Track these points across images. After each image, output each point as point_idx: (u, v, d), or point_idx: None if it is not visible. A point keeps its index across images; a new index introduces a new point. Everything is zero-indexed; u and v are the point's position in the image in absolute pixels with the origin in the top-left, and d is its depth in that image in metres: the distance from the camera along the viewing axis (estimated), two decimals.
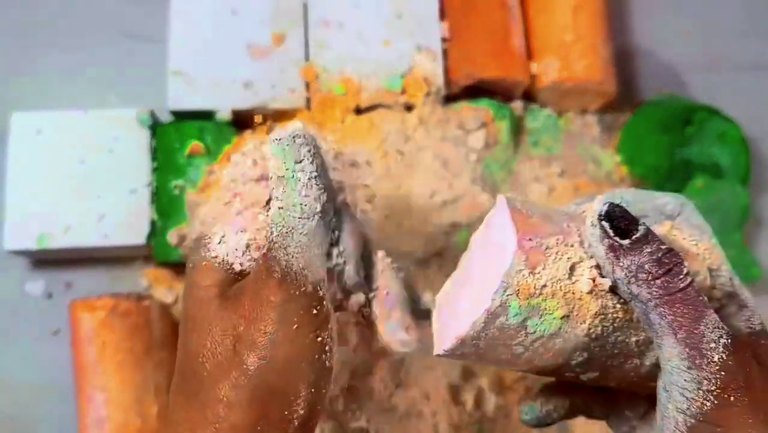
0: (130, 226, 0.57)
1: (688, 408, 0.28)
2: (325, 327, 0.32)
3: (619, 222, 0.28)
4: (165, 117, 0.61)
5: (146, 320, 0.55)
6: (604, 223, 0.28)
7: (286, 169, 0.32)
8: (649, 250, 0.28)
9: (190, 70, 0.59)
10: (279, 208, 0.32)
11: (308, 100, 0.60)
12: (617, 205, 0.29)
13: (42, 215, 0.57)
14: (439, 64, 0.61)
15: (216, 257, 0.34)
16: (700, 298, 0.28)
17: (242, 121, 0.61)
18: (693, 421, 0.28)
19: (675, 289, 0.28)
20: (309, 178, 0.32)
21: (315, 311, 0.31)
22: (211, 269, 0.33)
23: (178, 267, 0.60)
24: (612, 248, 0.28)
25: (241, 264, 0.34)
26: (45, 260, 0.61)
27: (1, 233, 0.57)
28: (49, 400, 0.58)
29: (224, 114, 0.59)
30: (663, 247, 0.28)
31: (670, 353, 0.28)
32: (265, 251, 0.32)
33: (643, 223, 0.28)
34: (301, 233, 0.31)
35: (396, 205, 0.58)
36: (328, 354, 0.32)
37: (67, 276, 0.61)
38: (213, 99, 0.59)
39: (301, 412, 0.31)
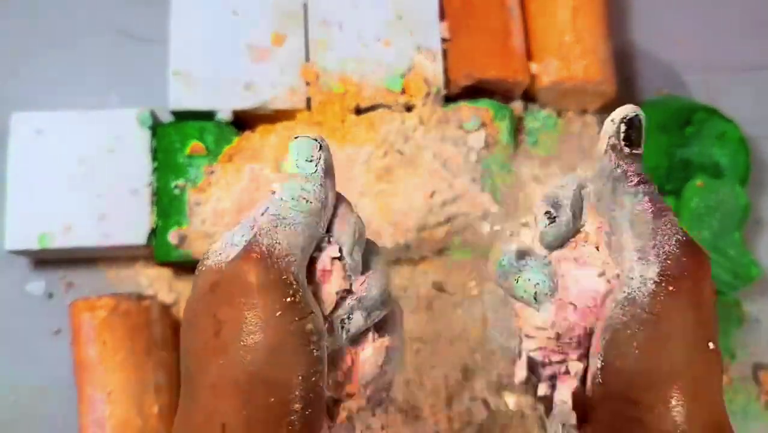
0: (130, 226, 0.58)
1: (629, 294, 0.30)
2: (308, 317, 0.31)
3: (633, 132, 0.32)
4: (165, 117, 0.61)
5: (146, 320, 0.55)
6: (622, 125, 0.32)
7: (296, 166, 0.32)
8: (638, 164, 0.32)
9: (190, 71, 0.59)
10: (279, 198, 0.32)
11: (308, 100, 0.60)
12: (640, 120, 0.32)
13: (43, 215, 0.57)
14: (439, 64, 0.61)
15: (211, 262, 0.32)
16: (666, 204, 0.32)
17: (243, 122, 0.61)
18: (638, 311, 0.30)
19: (648, 192, 0.31)
20: (313, 175, 0.32)
21: (296, 299, 0.31)
22: (207, 271, 0.32)
23: (178, 267, 0.60)
24: (614, 147, 0.32)
25: None
26: (46, 260, 0.61)
27: (2, 233, 0.57)
28: (49, 400, 0.58)
29: (225, 114, 0.59)
30: (646, 174, 0.32)
31: (627, 243, 0.31)
32: (250, 236, 0.31)
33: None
34: (290, 224, 0.31)
35: (396, 205, 0.58)
36: (315, 344, 0.31)
37: (68, 276, 0.61)
38: (213, 99, 0.59)
39: (297, 404, 0.30)
